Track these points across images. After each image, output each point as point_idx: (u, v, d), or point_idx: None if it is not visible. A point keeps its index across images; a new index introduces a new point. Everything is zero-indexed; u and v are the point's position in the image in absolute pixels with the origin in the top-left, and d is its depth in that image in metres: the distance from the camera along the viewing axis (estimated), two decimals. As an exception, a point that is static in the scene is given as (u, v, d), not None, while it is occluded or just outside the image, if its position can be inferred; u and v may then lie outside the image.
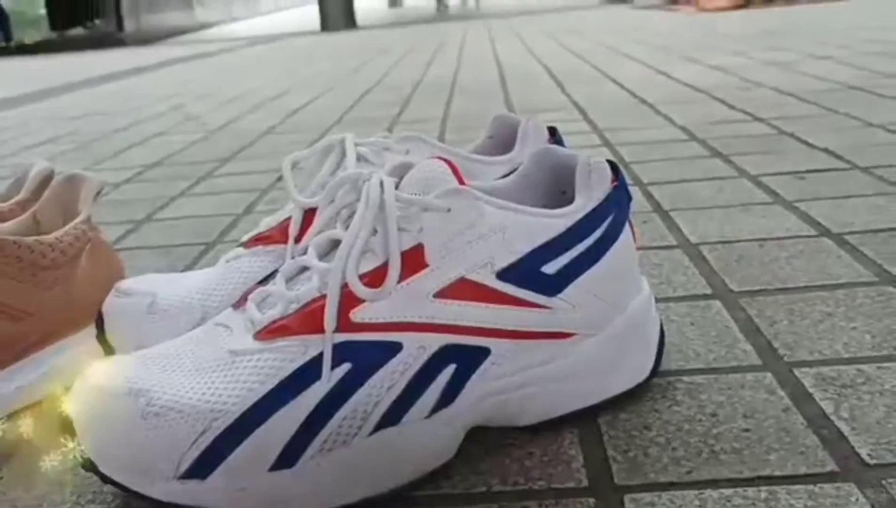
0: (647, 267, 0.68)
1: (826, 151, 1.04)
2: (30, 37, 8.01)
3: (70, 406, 0.40)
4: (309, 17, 7.63)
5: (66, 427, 0.40)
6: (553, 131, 0.58)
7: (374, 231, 0.42)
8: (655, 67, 2.09)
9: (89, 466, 0.39)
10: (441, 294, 0.41)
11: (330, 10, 6.52)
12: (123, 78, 3.19)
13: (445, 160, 0.44)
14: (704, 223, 0.79)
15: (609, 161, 0.47)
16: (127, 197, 1.11)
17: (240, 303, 0.44)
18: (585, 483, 0.41)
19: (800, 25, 2.84)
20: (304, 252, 0.44)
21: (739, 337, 0.55)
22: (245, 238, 0.54)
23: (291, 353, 0.40)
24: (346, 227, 0.44)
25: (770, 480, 0.40)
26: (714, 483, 0.40)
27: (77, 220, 0.57)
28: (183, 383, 0.40)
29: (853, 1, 3.77)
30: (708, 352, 0.53)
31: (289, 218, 0.52)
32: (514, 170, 0.52)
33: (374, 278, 0.41)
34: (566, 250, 0.44)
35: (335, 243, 0.44)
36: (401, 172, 0.45)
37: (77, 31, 7.84)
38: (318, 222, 0.46)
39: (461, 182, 0.43)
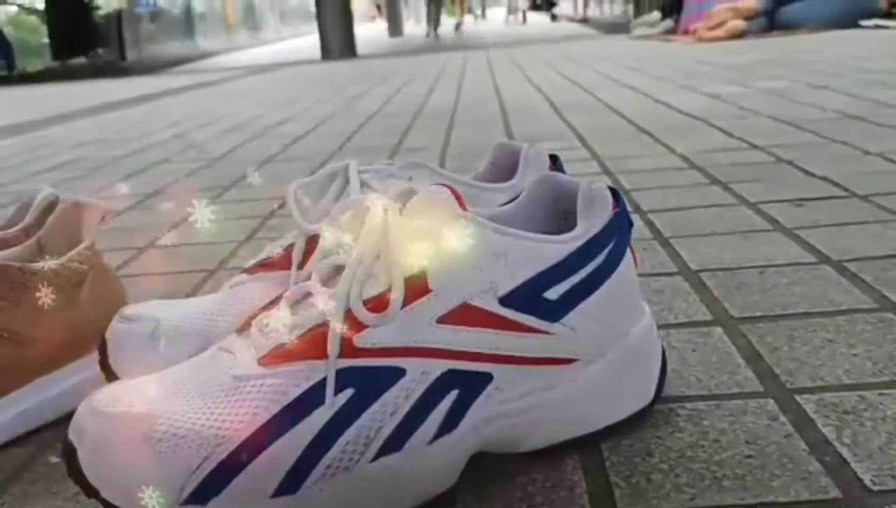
0: (647, 294, 0.68)
1: (825, 179, 1.04)
2: (32, 66, 8.06)
3: (73, 431, 0.40)
4: (309, 46, 7.70)
5: (69, 452, 0.40)
6: (554, 159, 0.58)
7: (378, 257, 0.42)
8: (654, 96, 2.11)
9: (92, 492, 0.39)
10: (444, 320, 0.41)
11: (330, 39, 6.58)
12: (126, 107, 3.21)
13: (449, 187, 0.44)
14: (704, 250, 0.79)
15: (610, 187, 0.47)
16: (128, 224, 1.12)
17: (244, 328, 0.44)
18: (588, 509, 0.41)
19: (796, 56, 2.87)
20: (308, 278, 0.45)
21: (741, 363, 0.55)
22: (248, 264, 0.54)
23: (295, 378, 0.40)
24: (350, 253, 0.44)
25: (773, 506, 0.40)
26: (717, 510, 0.40)
27: (81, 246, 0.57)
28: (187, 408, 0.40)
29: (846, 33, 3.81)
30: (709, 378, 0.53)
31: (292, 244, 0.52)
32: (516, 197, 0.52)
33: (378, 303, 0.41)
34: (568, 275, 0.44)
35: (339, 269, 0.44)
36: (404, 198, 0.45)
37: (79, 60, 7.90)
38: (321, 247, 0.46)
39: (464, 208, 0.43)
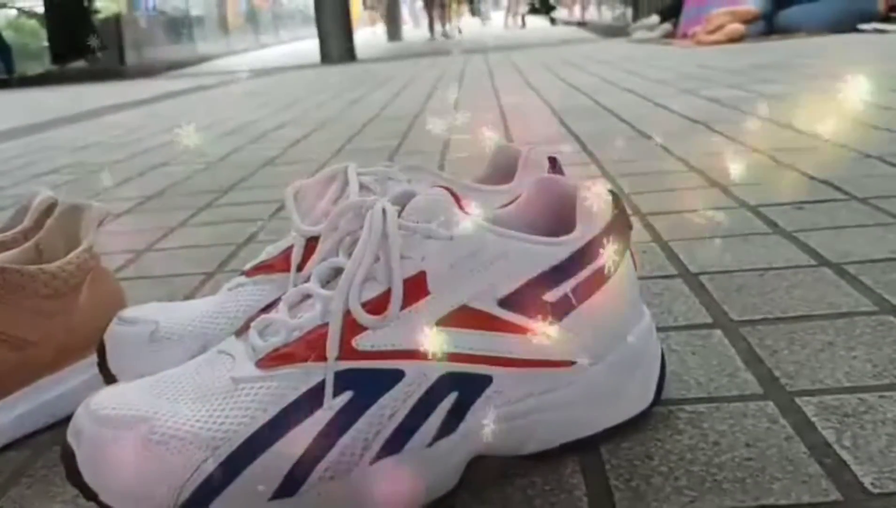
0: (647, 297, 0.68)
1: (824, 182, 1.04)
2: (32, 69, 8.06)
3: (71, 434, 0.40)
4: (309, 50, 7.71)
5: (67, 455, 0.40)
6: (553, 161, 0.58)
7: (377, 259, 0.42)
8: (653, 99, 2.11)
9: (91, 495, 0.39)
10: (443, 322, 0.41)
11: (330, 43, 6.58)
12: (125, 110, 3.21)
13: (448, 189, 0.44)
14: (704, 253, 0.79)
15: (609, 190, 0.47)
16: (127, 227, 1.12)
17: (242, 331, 0.44)
18: (588, 512, 0.41)
19: (794, 59, 2.87)
20: (307, 280, 0.44)
21: (741, 366, 0.55)
22: (247, 267, 0.54)
23: (294, 381, 0.40)
24: (349, 255, 0.44)
25: (773, 509, 0.40)
26: (717, 512, 0.40)
27: (79, 249, 0.57)
28: (185, 410, 0.40)
29: (845, 36, 3.81)
30: (709, 381, 0.53)
31: (291, 246, 0.52)
32: (515, 199, 0.52)
33: (377, 305, 0.41)
34: (567, 278, 0.44)
35: (338, 271, 0.44)
36: (403, 200, 0.45)
37: (79, 63, 7.90)
38: (320, 250, 0.46)
39: (463, 211, 0.43)
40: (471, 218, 0.43)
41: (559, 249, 0.44)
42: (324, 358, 0.40)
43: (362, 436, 0.40)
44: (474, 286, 0.42)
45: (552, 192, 0.50)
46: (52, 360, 0.54)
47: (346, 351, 0.40)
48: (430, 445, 0.41)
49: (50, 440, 0.53)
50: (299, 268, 0.50)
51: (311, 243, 0.51)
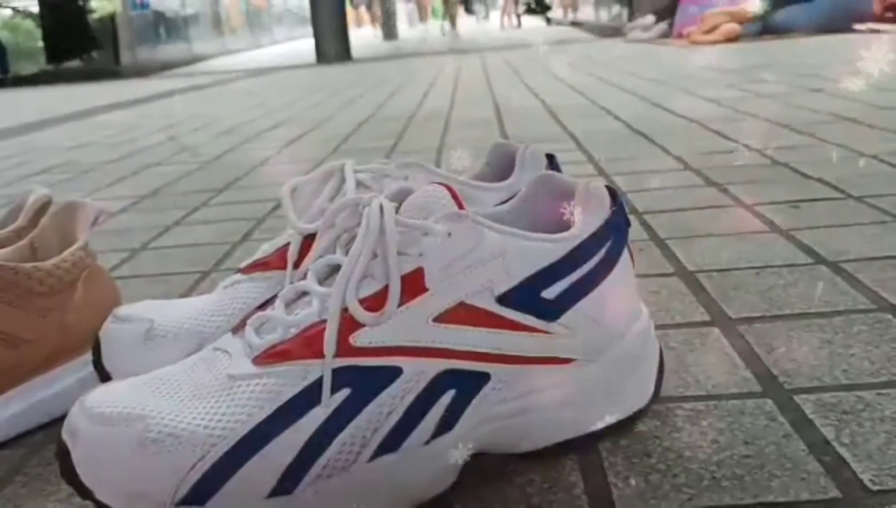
0: (644, 295, 0.68)
1: (820, 180, 1.04)
2: (26, 69, 8.04)
3: (66, 432, 0.40)
4: (304, 49, 7.70)
5: (62, 454, 0.40)
6: (551, 158, 0.58)
7: (374, 255, 0.42)
8: (649, 98, 2.11)
9: (86, 493, 0.39)
10: (440, 319, 0.41)
11: (325, 43, 6.57)
12: (119, 109, 3.21)
13: (445, 186, 0.44)
14: (701, 252, 0.79)
15: (608, 186, 0.47)
16: (122, 226, 1.11)
17: (238, 328, 0.44)
18: (587, 509, 0.41)
19: (790, 59, 2.87)
20: (304, 277, 0.44)
21: (739, 364, 0.55)
22: (243, 264, 0.53)
23: (291, 378, 0.40)
24: (346, 252, 0.44)
25: (772, 506, 0.40)
26: (716, 510, 0.40)
27: (74, 247, 0.57)
28: (181, 408, 0.39)
29: (840, 37, 3.82)
30: (707, 379, 0.53)
31: (287, 244, 0.52)
32: (513, 196, 0.52)
33: (374, 302, 0.41)
34: (565, 275, 0.44)
35: (335, 268, 0.44)
36: (401, 196, 0.45)
37: (74, 63, 7.88)
38: (317, 247, 0.46)
39: (461, 207, 0.43)
40: (468, 215, 0.42)
41: (557, 246, 0.44)
42: (321, 355, 0.40)
43: (360, 433, 0.39)
44: (472, 283, 0.42)
45: (550, 189, 0.50)
46: (47, 358, 0.54)
47: (344, 348, 0.40)
48: (427, 442, 0.41)
49: (44, 438, 0.53)
50: (296, 265, 0.50)
51: (308, 240, 0.50)
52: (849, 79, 2.12)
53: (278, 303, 0.43)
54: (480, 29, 14.61)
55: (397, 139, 1.76)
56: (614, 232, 0.46)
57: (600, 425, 0.46)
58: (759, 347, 0.57)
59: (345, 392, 0.39)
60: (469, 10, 19.86)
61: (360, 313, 0.40)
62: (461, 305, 0.41)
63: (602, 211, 0.46)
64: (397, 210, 0.43)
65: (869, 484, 0.41)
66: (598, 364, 0.45)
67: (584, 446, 0.46)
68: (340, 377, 0.40)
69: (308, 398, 0.39)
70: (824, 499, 0.40)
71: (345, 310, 0.41)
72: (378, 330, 0.40)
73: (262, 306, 0.49)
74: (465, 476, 0.43)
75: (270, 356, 0.40)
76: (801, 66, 2.61)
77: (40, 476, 0.48)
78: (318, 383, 0.39)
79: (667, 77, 2.65)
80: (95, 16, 8.32)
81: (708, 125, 1.59)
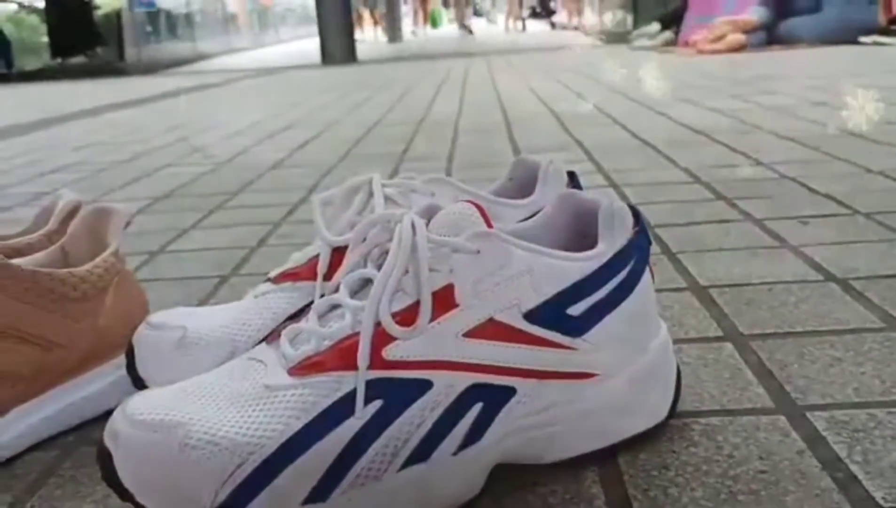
0: (659, 309, 0.69)
1: (828, 196, 1.06)
2: (31, 64, 8.05)
3: (108, 436, 0.41)
4: (309, 50, 7.71)
5: (104, 457, 0.41)
6: (572, 175, 0.60)
7: (406, 271, 0.43)
8: (655, 108, 2.12)
9: (126, 496, 0.40)
10: (470, 334, 0.43)
11: (331, 43, 6.59)
12: (128, 108, 3.22)
13: (474, 203, 0.45)
14: (712, 266, 0.80)
15: (630, 206, 0.49)
16: (139, 228, 1.13)
17: (272, 338, 0.45)
18: (609, 521, 0.42)
19: (795, 71, 2.89)
20: (336, 290, 0.46)
21: (752, 380, 0.56)
22: (273, 274, 0.55)
23: (325, 389, 0.41)
24: (377, 266, 0.45)
25: (789, 521, 0.41)
26: (735, 524, 0.41)
27: (107, 252, 0.58)
28: (219, 416, 0.41)
29: (845, 49, 3.83)
30: (722, 394, 0.54)
31: (317, 255, 0.53)
32: (536, 213, 0.53)
33: (406, 316, 0.42)
34: (591, 292, 0.45)
35: (366, 282, 0.45)
36: (429, 213, 0.46)
37: (78, 59, 7.89)
38: (348, 260, 0.47)
39: (489, 225, 0.44)
40: (497, 233, 0.44)
41: (583, 264, 0.45)
42: (355, 367, 0.41)
43: (392, 444, 0.41)
44: (501, 300, 0.43)
45: (574, 207, 0.51)
46: (79, 362, 0.56)
47: (377, 361, 0.41)
48: (455, 453, 0.42)
49: (77, 440, 0.54)
50: (325, 277, 0.51)
51: (337, 252, 0.52)
52: (854, 92, 2.14)
53: (311, 315, 0.45)
54: (486, 32, 14.63)
55: (407, 145, 1.77)
56: (637, 251, 0.48)
57: (620, 437, 0.47)
58: (771, 363, 0.59)
59: (377, 404, 0.41)
60: (477, 13, 20.04)
61: (392, 327, 0.42)
62: (490, 321, 0.43)
63: (625, 231, 0.47)
64: (427, 226, 0.45)
65: (881, 501, 0.42)
66: (620, 379, 0.47)
67: (604, 458, 0.47)
68: (373, 388, 0.41)
69: (342, 408, 0.41)
70: (838, 515, 0.41)
71: (377, 324, 0.42)
72: (410, 344, 0.42)
73: (293, 317, 0.51)
74: (491, 486, 0.44)
75: (305, 368, 0.42)
76: (806, 78, 2.62)
77: (74, 477, 0.50)
78: (352, 394, 0.41)
79: (672, 86, 2.67)
80: (100, 12, 8.34)
81: (714, 137, 1.60)
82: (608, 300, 0.46)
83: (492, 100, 2.63)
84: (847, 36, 4.01)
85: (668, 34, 5.10)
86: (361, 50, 6.77)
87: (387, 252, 0.45)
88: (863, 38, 4.01)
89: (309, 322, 0.44)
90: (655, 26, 5.39)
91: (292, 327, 0.44)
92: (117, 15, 8.44)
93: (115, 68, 7.18)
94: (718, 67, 3.32)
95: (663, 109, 2.08)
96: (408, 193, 0.55)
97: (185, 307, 0.56)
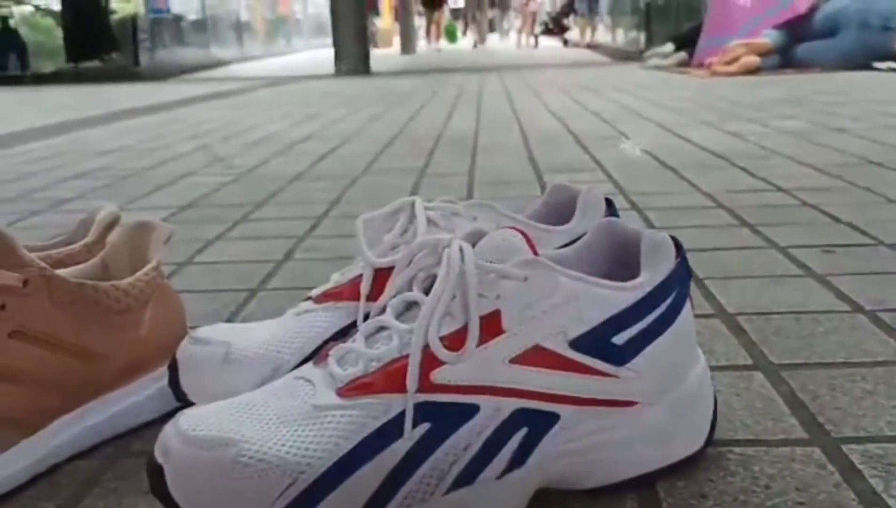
0: (687, 335, 0.70)
1: (850, 225, 1.06)
2: (46, 67, 8.10)
3: (159, 451, 0.42)
4: (322, 59, 7.75)
5: (155, 471, 0.42)
6: (609, 203, 0.60)
7: (453, 296, 0.44)
8: (673, 130, 2.13)
9: (176, 510, 0.41)
10: (517, 360, 0.43)
11: (345, 55, 6.62)
12: (146, 114, 3.24)
13: (519, 230, 0.46)
14: (739, 293, 0.81)
15: (672, 237, 0.49)
16: (164, 238, 1.13)
17: (320, 358, 0.46)
18: (650, 549, 0.43)
19: (811, 96, 2.90)
20: (382, 312, 0.46)
21: (785, 410, 0.57)
22: (314, 293, 0.56)
23: (374, 411, 0.42)
24: (423, 290, 0.46)
25: (829, 555, 0.41)
26: (776, 556, 0.41)
27: (148, 266, 0.59)
28: (269, 435, 0.42)
29: (860, 74, 3.84)
30: (755, 424, 0.55)
31: (359, 276, 0.54)
32: (574, 239, 0.54)
33: (454, 341, 0.43)
34: (635, 321, 0.46)
35: (411, 305, 0.46)
36: (474, 238, 0.47)
37: (93, 63, 7.94)
38: (394, 283, 0.48)
39: (535, 252, 0.45)
40: (544, 261, 0.45)
41: (628, 293, 0.46)
42: (403, 390, 0.42)
43: (439, 467, 0.41)
44: (547, 327, 0.44)
45: (615, 236, 0.52)
46: (120, 373, 0.56)
47: (425, 384, 0.42)
48: (499, 477, 0.43)
49: (116, 451, 0.55)
50: (368, 298, 0.52)
51: (380, 273, 0.52)
52: (872, 119, 2.14)
53: (359, 337, 0.45)
54: (498, 47, 14.69)
55: (427, 160, 1.78)
56: (679, 282, 0.48)
57: (659, 465, 0.48)
58: (802, 393, 0.59)
59: (425, 426, 0.42)
60: (492, 28, 20.28)
61: (441, 351, 0.42)
62: (536, 347, 0.43)
63: (668, 262, 0.48)
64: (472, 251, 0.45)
65: (920, 538, 0.42)
66: (660, 407, 0.47)
67: (643, 485, 0.48)
68: (421, 411, 0.42)
69: (391, 430, 0.41)
70: (877, 550, 0.42)
71: (426, 347, 0.43)
72: (457, 368, 0.42)
73: (336, 336, 0.52)
74: (532, 511, 0.45)
75: (354, 389, 0.43)
76: (823, 103, 2.63)
77: (116, 489, 0.50)
78: (401, 416, 0.41)
79: (688, 107, 2.68)
80: (116, 17, 8.39)
81: (734, 161, 1.61)
82: (651, 330, 0.46)
83: (508, 116, 2.64)
84: (861, 61, 4.02)
85: (681, 54, 5.11)
86: (374, 61, 6.79)
87: (433, 276, 0.45)
88: (877, 64, 4.01)
89: (356, 343, 0.45)
90: (669, 46, 5.40)
91: (339, 347, 0.45)
92: (132, 20, 8.49)
93: (129, 73, 7.23)
94: (733, 89, 3.33)
95: (681, 132, 2.09)
96: (450, 216, 0.55)
97: (225, 324, 0.56)
